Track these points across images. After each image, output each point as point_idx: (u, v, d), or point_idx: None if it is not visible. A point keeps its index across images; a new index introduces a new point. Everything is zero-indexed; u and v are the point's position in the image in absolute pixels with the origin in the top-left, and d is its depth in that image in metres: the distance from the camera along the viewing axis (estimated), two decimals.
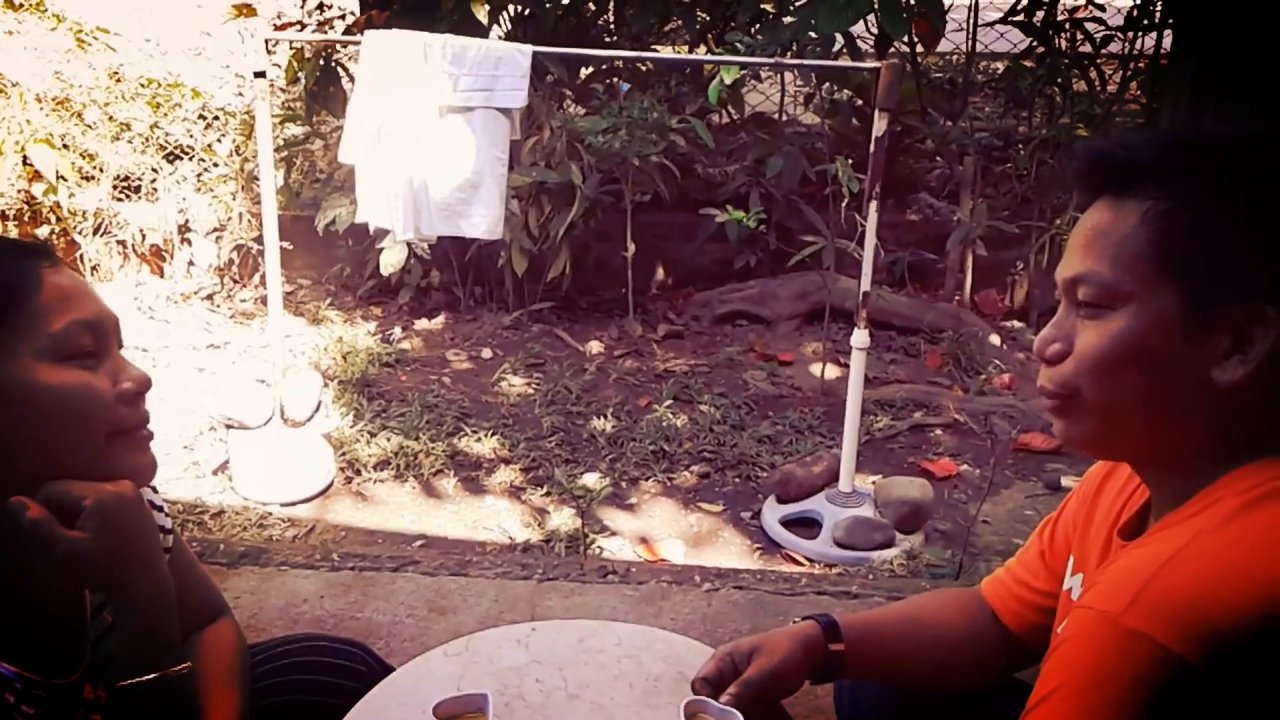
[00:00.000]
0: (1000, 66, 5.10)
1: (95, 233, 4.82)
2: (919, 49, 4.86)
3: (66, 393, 1.03)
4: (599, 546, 3.05)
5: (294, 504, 3.26)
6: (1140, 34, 4.68)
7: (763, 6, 4.82)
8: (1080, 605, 0.93)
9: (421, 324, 4.68)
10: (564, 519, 3.20)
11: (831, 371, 4.13)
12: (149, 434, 1.12)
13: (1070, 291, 1.00)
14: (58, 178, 4.62)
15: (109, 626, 1.15)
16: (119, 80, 4.85)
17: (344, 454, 3.51)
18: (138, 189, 4.91)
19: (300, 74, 4.66)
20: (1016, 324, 4.72)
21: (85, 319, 1.06)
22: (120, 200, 4.88)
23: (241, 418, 3.19)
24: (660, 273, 5.04)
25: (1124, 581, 0.89)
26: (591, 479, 3.41)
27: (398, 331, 4.60)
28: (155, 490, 1.28)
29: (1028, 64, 4.79)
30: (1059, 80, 4.67)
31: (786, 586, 2.61)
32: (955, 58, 5.14)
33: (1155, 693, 0.84)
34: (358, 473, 3.45)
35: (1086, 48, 4.76)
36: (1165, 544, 0.91)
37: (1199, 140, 0.99)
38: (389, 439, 3.59)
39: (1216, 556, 0.88)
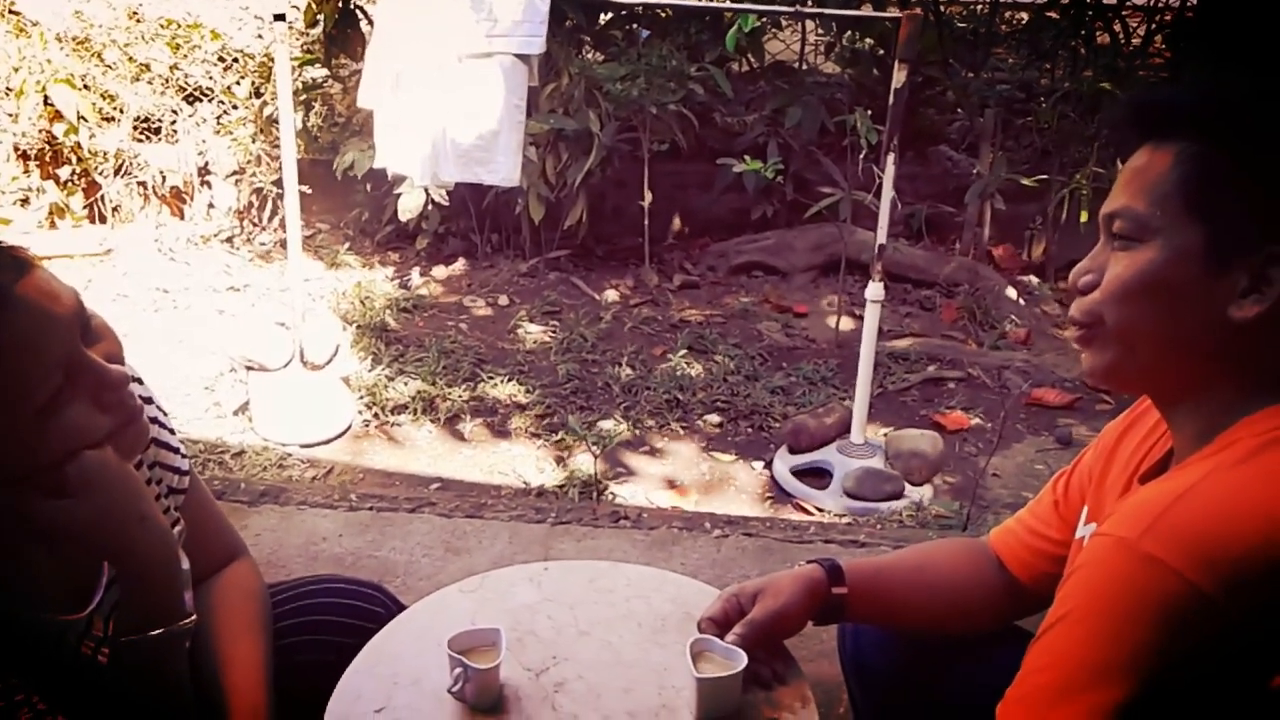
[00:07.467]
0: (1024, 18, 5.02)
1: (116, 173, 4.86)
2: None
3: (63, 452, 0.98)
4: (612, 493, 3.09)
5: (313, 445, 3.31)
6: None
7: None
8: (1097, 534, 0.97)
9: (439, 270, 4.71)
10: (578, 465, 3.24)
11: (846, 324, 4.14)
12: (135, 411, 1.05)
13: (1108, 226, 1.04)
14: (78, 118, 4.64)
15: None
16: (138, 20, 4.85)
17: (362, 397, 3.55)
18: (158, 130, 4.93)
19: (319, 16, 4.64)
20: (1034, 279, 4.71)
21: (51, 359, 0.94)
22: (140, 141, 4.91)
23: (261, 360, 3.23)
24: (677, 222, 5.04)
25: (1141, 510, 0.93)
26: (606, 426, 3.45)
27: (415, 277, 4.62)
28: (172, 432, 1.26)
29: (1051, 15, 4.72)
30: (1082, 32, 4.60)
31: (794, 534, 2.65)
32: (979, 8, 5.06)
33: (1167, 617, 0.87)
34: (376, 416, 3.50)
35: None
36: (1183, 479, 0.94)
37: (1234, 90, 1.02)
38: (407, 383, 3.63)
39: (1231, 490, 0.91)
